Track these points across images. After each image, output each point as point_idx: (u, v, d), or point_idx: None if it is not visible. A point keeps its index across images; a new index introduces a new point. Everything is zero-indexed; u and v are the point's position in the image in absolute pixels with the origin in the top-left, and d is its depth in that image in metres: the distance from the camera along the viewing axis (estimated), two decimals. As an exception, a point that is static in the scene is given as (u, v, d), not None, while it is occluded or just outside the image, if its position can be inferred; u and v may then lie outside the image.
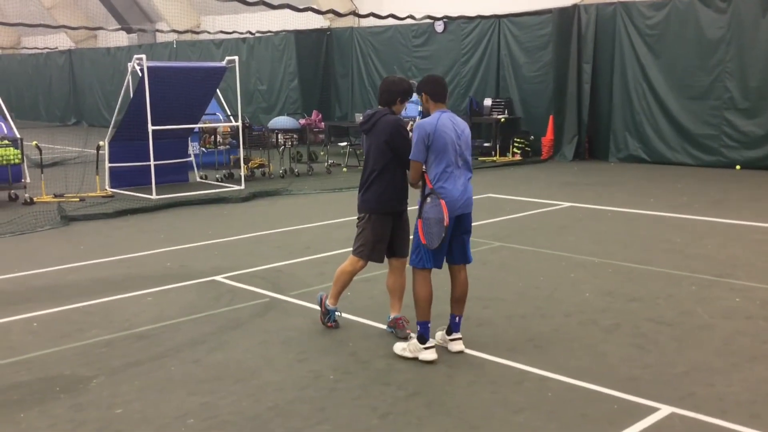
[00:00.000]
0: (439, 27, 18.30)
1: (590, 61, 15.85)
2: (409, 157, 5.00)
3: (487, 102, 17.20)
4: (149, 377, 4.81)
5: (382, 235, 5.37)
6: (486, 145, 17.12)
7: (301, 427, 4.10)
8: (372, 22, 18.78)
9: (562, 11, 16.07)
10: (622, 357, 5.04)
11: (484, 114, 17.13)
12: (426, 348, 4.99)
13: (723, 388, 4.52)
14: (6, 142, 11.48)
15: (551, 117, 16.31)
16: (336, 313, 5.67)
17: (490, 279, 7.04)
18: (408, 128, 5.82)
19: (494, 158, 16.49)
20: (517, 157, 16.42)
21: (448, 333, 5.24)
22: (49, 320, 5.94)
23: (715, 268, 7.28)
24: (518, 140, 16.56)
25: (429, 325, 5.05)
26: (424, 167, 5.02)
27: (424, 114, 4.97)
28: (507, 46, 17.15)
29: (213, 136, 13.94)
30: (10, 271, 7.46)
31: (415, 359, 4.99)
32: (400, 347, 5.12)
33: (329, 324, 5.65)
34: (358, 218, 5.49)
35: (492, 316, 5.96)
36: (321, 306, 5.69)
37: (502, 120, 16.66)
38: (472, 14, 17.42)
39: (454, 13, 17.62)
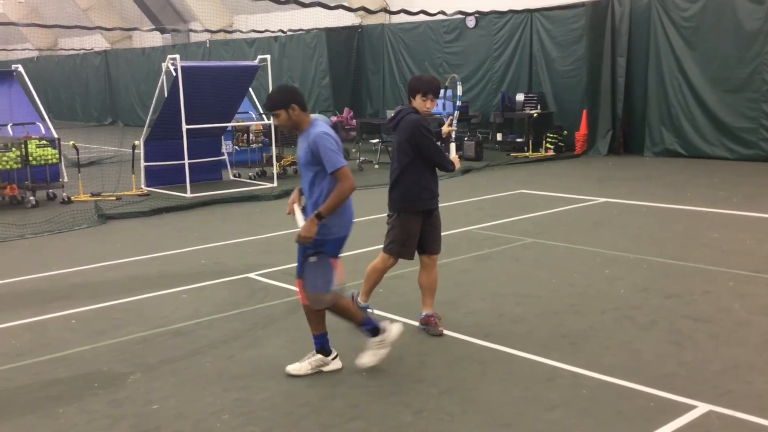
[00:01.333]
0: (471, 22, 18.21)
1: (624, 54, 15.64)
2: (339, 165, 4.50)
3: (520, 97, 17.08)
4: (184, 373, 4.87)
5: (411, 233, 5.36)
6: (518, 140, 17.01)
7: (334, 423, 4.12)
8: (403, 18, 18.75)
9: (596, 4, 15.87)
10: (657, 354, 4.97)
11: (517, 109, 17.03)
12: (332, 358, 4.81)
13: (761, 386, 4.44)
14: (44, 142, 11.70)
15: (585, 111, 16.13)
16: (368, 310, 5.67)
17: (523, 275, 6.99)
18: (447, 125, 5.79)
19: (527, 154, 16.37)
20: (550, 153, 16.28)
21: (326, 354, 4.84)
22: (87, 317, 6.04)
23: (753, 263, 7.14)
24: (551, 135, 16.41)
25: (327, 336, 4.83)
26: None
27: (295, 126, 4.60)
28: (539, 40, 17.01)
29: (246, 135, 14.04)
30: (48, 269, 7.60)
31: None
32: (296, 366, 4.76)
33: None
34: (388, 215, 5.49)
35: (525, 312, 5.92)
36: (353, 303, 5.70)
37: (535, 115, 16.53)
38: (504, 9, 17.29)
39: (485, 8, 17.51)
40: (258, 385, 4.65)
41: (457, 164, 5.49)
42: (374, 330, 4.80)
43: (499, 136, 17.45)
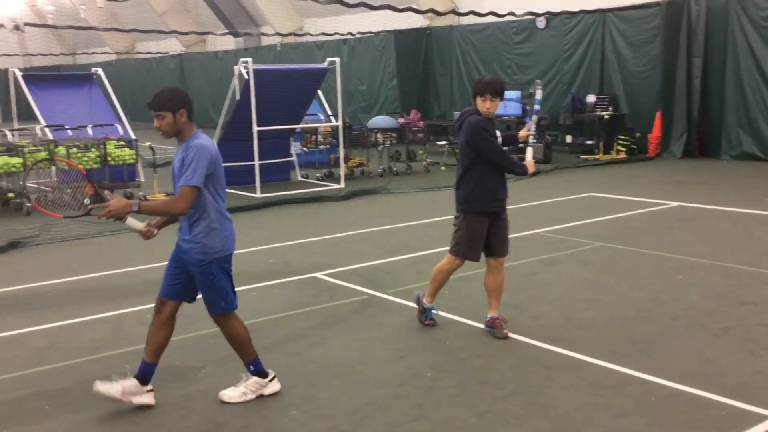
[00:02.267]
0: (541, 23, 17.99)
1: (701, 54, 15.18)
2: (191, 182, 4.13)
3: (591, 98, 16.78)
4: (253, 369, 4.97)
5: (477, 235, 5.35)
6: (589, 142, 16.70)
7: (399, 423, 4.15)
8: (472, 19, 18.67)
9: (671, 3, 15.47)
10: (731, 363, 4.83)
11: (587, 111, 16.73)
12: (270, 380, 4.54)
13: (844, 400, 4.25)
14: (122, 143, 12.13)
15: (658, 113, 15.74)
16: (433, 311, 5.69)
17: (591, 280, 6.88)
18: (525, 129, 5.71)
19: (597, 156, 16.06)
20: (622, 155, 15.93)
21: (143, 383, 4.43)
22: (161, 312, 6.23)
23: (837, 271, 6.85)
24: (623, 137, 16.06)
25: (258, 359, 4.56)
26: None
27: (176, 133, 4.31)
28: (612, 40, 16.68)
29: (314, 136, 14.22)
30: (124, 265, 7.88)
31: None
32: (231, 393, 4.45)
33: (426, 322, 5.68)
34: (455, 216, 5.49)
35: (593, 317, 5.83)
36: (418, 304, 5.72)
37: (606, 117, 16.21)
38: (575, 9, 17.03)
39: (556, 9, 17.27)
40: (324, 382, 4.72)
41: (531, 168, 5.42)
42: (262, 373, 4.50)
43: (568, 138, 17.18)
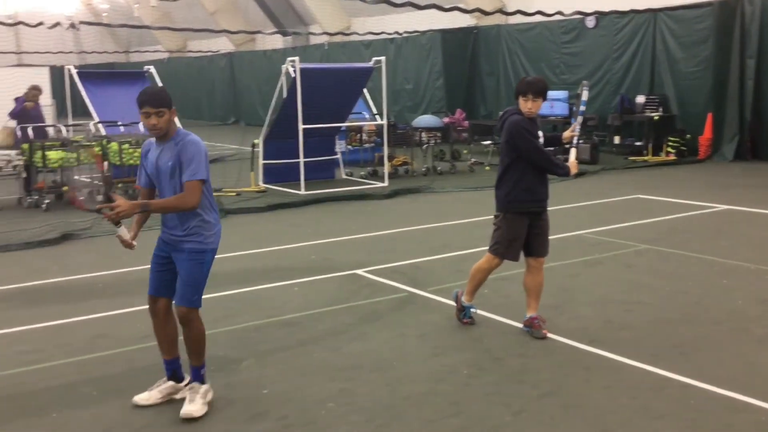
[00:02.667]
0: (590, 23, 17.79)
1: (754, 55, 14.84)
2: (198, 176, 4.15)
3: (640, 99, 16.54)
4: (293, 362, 5.08)
5: (516, 234, 5.35)
6: (637, 144, 16.46)
7: (435, 418, 4.19)
8: (519, 19, 18.55)
9: (724, 3, 15.15)
10: (775, 369, 4.75)
11: (636, 112, 16.49)
12: (185, 385, 4.48)
13: None
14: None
15: (710, 115, 15.43)
16: (471, 309, 5.71)
17: (634, 282, 6.81)
18: (569, 130, 5.68)
19: (646, 158, 15.82)
20: (672, 157, 15.66)
21: (176, 380, 4.52)
22: (206, 305, 6.27)
23: None
24: (673, 139, 15.79)
25: (179, 362, 4.54)
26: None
27: (167, 131, 4.23)
28: (663, 40, 16.40)
29: (359, 135, 14.32)
30: (172, 258, 8.07)
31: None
32: (193, 408, 4.24)
33: (465, 320, 5.71)
34: (494, 216, 5.51)
35: (635, 319, 5.78)
36: (457, 302, 5.75)
37: (656, 118, 15.96)
38: (625, 8, 16.79)
39: (605, 8, 17.06)
40: (362, 377, 4.79)
41: (574, 169, 5.40)
42: (202, 378, 4.42)
43: (616, 139, 16.94)
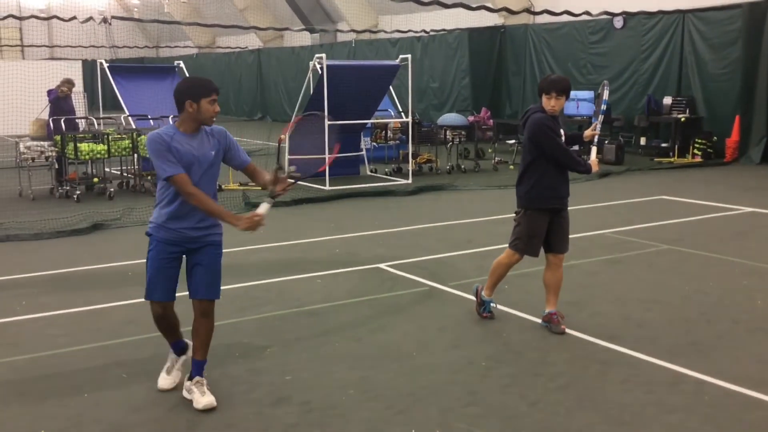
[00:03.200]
0: (618, 23, 17.75)
1: (784, 58, 14.73)
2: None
3: (667, 100, 16.48)
4: (316, 351, 5.22)
5: (536, 231, 5.43)
6: (663, 145, 16.41)
7: (451, 407, 4.30)
8: (547, 18, 18.56)
9: (754, 5, 15.04)
10: (792, 368, 4.79)
11: (663, 113, 16.44)
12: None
13: None
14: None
15: (737, 117, 15.34)
16: (491, 304, 5.81)
17: (654, 281, 6.86)
18: (591, 129, 5.74)
19: (672, 159, 15.77)
20: (698, 159, 15.59)
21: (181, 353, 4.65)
22: (232, 295, 6.55)
23: None
24: (699, 141, 15.72)
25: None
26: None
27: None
28: (691, 41, 16.33)
29: (384, 132, 14.44)
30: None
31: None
32: (206, 400, 4.29)
33: (484, 314, 5.81)
34: (515, 212, 5.60)
35: (654, 317, 5.84)
36: (477, 297, 5.85)
37: (683, 119, 15.89)
38: (653, 9, 16.73)
39: (633, 9, 17.01)
40: (382, 366, 4.92)
41: (595, 167, 5.48)
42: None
43: (642, 140, 16.90)
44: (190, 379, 4.42)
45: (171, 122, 13.09)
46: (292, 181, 4.37)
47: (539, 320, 5.67)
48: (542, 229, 5.44)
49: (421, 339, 5.43)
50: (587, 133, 5.77)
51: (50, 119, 12.61)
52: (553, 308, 5.58)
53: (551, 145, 5.32)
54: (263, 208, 4.30)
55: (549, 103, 5.36)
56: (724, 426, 4.02)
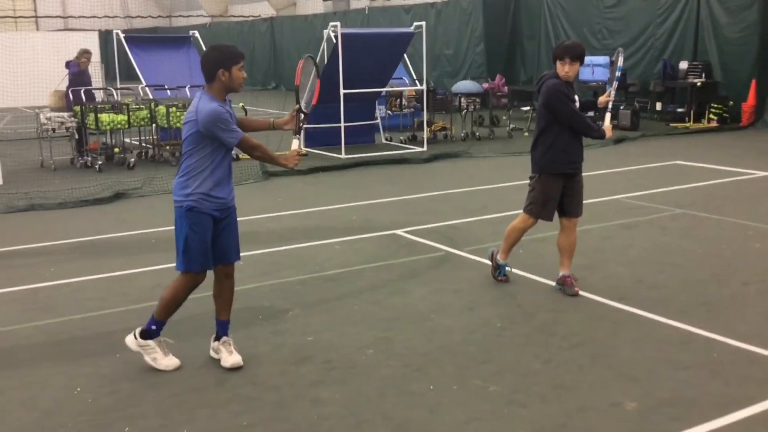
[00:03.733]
0: (634, -13, 17.57)
1: (802, 20, 14.58)
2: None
3: (683, 65, 16.37)
4: (336, 313, 5.39)
5: (551, 195, 5.55)
6: (679, 110, 16.33)
7: (467, 365, 4.47)
8: (562, -17, 18.42)
9: (772, -34, 14.86)
10: (800, 327, 4.91)
11: (679, 78, 16.34)
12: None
13: None
14: (217, 103, 12.72)
15: (754, 81, 15.24)
16: (506, 268, 5.95)
17: (668, 245, 6.97)
18: (605, 95, 5.78)
19: (687, 124, 15.72)
20: (713, 124, 15.54)
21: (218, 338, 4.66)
22: (253, 260, 6.72)
23: None
24: (715, 105, 15.65)
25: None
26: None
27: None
28: (708, 5, 16.15)
29: (399, 100, 14.49)
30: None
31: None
32: (235, 359, 4.48)
33: (500, 278, 5.95)
34: (530, 177, 5.71)
35: (666, 279, 5.96)
36: (492, 261, 5.99)
37: (699, 84, 15.81)
38: (670, -28, 16.55)
39: (649, -28, 16.84)
40: (399, 327, 5.09)
41: (609, 133, 5.57)
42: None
43: (658, 106, 16.84)
44: (217, 339, 4.61)
45: (188, 92, 13.29)
46: (305, 113, 4.60)
47: (553, 283, 5.81)
48: (556, 193, 5.55)
49: (437, 302, 5.59)
50: (601, 99, 5.84)
51: (69, 90, 12.77)
52: (567, 271, 5.71)
53: (565, 110, 5.40)
54: (295, 144, 4.54)
55: (563, 69, 5.44)
56: (731, 381, 4.17)
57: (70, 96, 12.61)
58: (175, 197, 4.41)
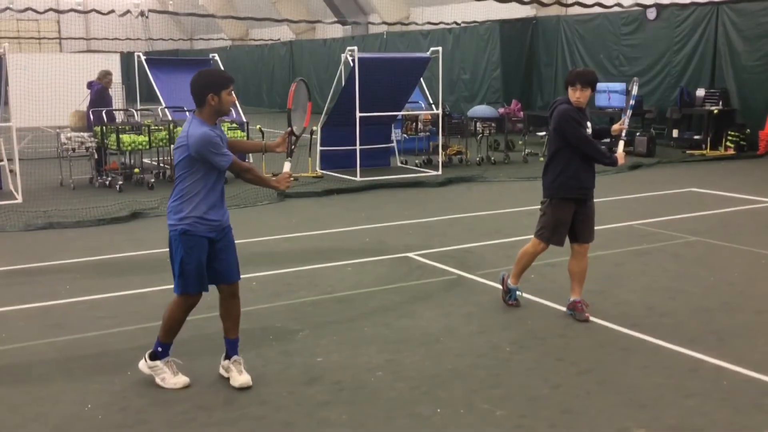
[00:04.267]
0: (651, 14, 17.64)
1: (819, 49, 14.55)
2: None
3: (700, 92, 16.37)
4: (346, 334, 5.42)
5: (561, 220, 5.57)
6: (696, 137, 16.31)
7: (475, 389, 4.48)
8: (579, 10, 18.52)
9: (790, -5, 14.88)
10: (812, 357, 4.88)
11: (696, 105, 16.34)
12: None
13: None
14: (234, 125, 12.90)
15: (771, 109, 15.21)
16: (517, 292, 5.96)
17: (680, 272, 6.95)
18: (619, 124, 5.74)
19: (704, 151, 15.68)
20: (730, 151, 15.49)
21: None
22: (266, 281, 6.79)
23: None
24: (732, 133, 15.62)
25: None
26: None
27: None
28: (725, 33, 16.19)
29: (414, 123, 14.59)
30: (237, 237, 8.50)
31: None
32: (244, 378, 4.52)
33: (510, 302, 5.96)
34: (541, 202, 5.73)
35: (677, 307, 5.94)
36: (503, 285, 6.01)
37: (716, 111, 15.79)
38: (686, 1, 16.61)
39: (665, 0, 16.91)
40: (409, 350, 5.10)
41: (621, 160, 5.59)
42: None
43: (675, 133, 16.82)
44: (227, 358, 4.65)
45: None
46: (296, 136, 4.68)
47: (564, 308, 5.81)
48: (567, 218, 5.57)
49: (447, 325, 5.60)
50: (615, 127, 5.85)
51: (89, 110, 12.97)
52: (578, 296, 5.72)
53: (575, 135, 5.44)
54: (287, 166, 4.62)
55: (574, 95, 5.49)
56: (740, 410, 4.14)
57: (91, 116, 12.81)
58: (169, 221, 4.47)
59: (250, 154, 13.64)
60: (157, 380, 4.57)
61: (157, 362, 4.57)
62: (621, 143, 5.78)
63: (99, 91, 13.10)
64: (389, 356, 4.99)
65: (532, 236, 5.81)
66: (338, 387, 4.53)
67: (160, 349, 4.58)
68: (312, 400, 4.36)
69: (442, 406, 4.26)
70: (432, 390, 4.47)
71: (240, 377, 4.53)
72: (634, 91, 5.94)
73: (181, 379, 4.56)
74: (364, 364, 4.87)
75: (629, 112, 5.88)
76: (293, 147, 4.66)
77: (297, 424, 4.09)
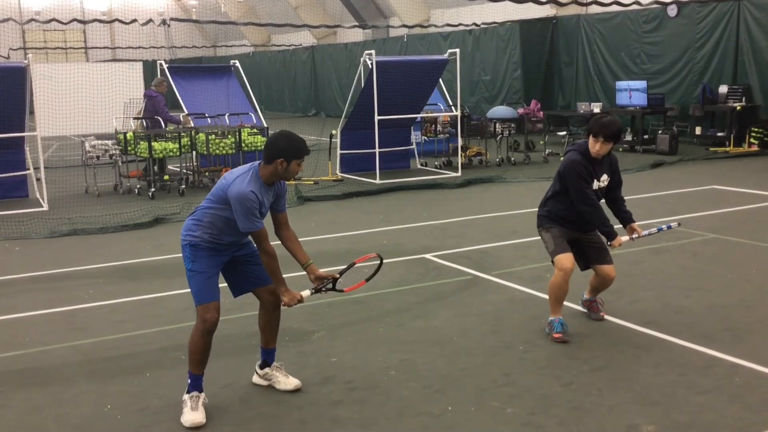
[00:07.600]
0: (672, 11, 17.51)
1: (844, 42, 14.34)
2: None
3: (723, 89, 16.21)
4: (361, 335, 5.50)
5: (558, 232, 5.30)
6: (719, 134, 16.16)
7: (487, 387, 4.52)
8: (599, 8, 18.43)
9: (813, -11, 14.69)
10: (828, 353, 4.85)
11: (719, 102, 16.18)
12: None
13: None
14: (255, 130, 13.04)
15: (795, 105, 15.02)
16: (560, 325, 5.29)
17: (697, 269, 6.92)
18: (637, 229, 5.45)
19: (727, 148, 15.53)
20: (754, 148, 15.31)
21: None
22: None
23: None
24: (756, 130, 15.43)
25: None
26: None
27: None
28: (747, 29, 16.02)
29: (433, 125, 14.63)
30: (254, 241, 8.62)
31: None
32: (292, 381, 4.61)
33: (555, 335, 5.24)
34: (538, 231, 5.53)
35: (692, 304, 5.93)
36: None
37: (739, 108, 15.62)
38: (708, -4, 16.48)
39: (686, -4, 16.79)
40: (422, 350, 5.16)
41: (617, 243, 5.27)
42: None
43: (698, 130, 16.68)
44: (264, 366, 4.68)
45: (227, 120, 13.59)
46: (330, 287, 4.65)
47: (579, 307, 5.81)
48: (562, 230, 5.33)
49: (461, 325, 5.65)
50: (633, 226, 5.50)
51: (144, 119, 13.20)
52: (594, 295, 5.71)
53: (577, 191, 5.18)
54: (306, 293, 4.58)
55: (594, 146, 5.16)
56: (751, 406, 4.14)
57: (145, 123, 13.06)
58: (182, 235, 4.46)
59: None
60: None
61: (185, 396, 4.37)
62: (626, 237, 5.47)
63: (154, 99, 13.26)
64: (403, 356, 5.05)
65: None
66: (351, 386, 4.60)
67: (189, 381, 4.37)
68: (325, 399, 4.44)
69: (453, 404, 4.31)
70: (444, 389, 4.52)
71: (290, 380, 4.60)
72: (665, 227, 5.71)
73: (192, 417, 4.21)
74: (378, 364, 4.93)
75: (654, 230, 5.67)
76: (324, 289, 4.64)
77: (310, 422, 4.17)
